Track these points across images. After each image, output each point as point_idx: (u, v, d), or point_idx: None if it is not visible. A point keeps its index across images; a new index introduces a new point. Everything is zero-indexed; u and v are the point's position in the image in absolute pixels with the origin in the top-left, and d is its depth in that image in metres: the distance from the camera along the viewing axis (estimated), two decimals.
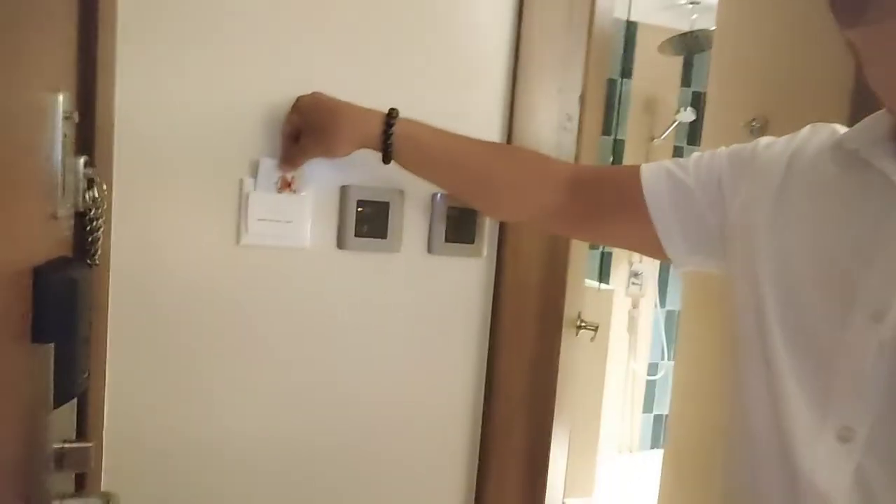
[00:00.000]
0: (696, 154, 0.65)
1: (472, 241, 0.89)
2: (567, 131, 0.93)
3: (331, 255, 0.84)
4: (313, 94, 0.76)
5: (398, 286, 0.88)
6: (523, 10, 0.88)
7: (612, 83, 2.98)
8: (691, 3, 2.77)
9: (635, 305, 3.02)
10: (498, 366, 0.92)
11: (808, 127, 0.57)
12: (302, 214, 0.82)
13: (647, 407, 3.00)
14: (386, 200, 0.85)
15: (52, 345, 0.55)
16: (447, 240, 0.88)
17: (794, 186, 0.54)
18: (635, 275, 3.01)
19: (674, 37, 2.76)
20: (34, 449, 0.55)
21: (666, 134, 3.02)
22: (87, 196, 0.65)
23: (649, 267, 2.96)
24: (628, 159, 3.05)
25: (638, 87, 3.04)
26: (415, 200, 0.87)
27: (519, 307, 0.91)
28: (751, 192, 0.57)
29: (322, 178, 0.83)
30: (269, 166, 0.80)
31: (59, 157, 0.58)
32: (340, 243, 0.84)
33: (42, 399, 0.56)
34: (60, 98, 0.57)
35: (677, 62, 3.08)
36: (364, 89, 0.81)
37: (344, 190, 0.84)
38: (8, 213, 0.49)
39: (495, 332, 0.91)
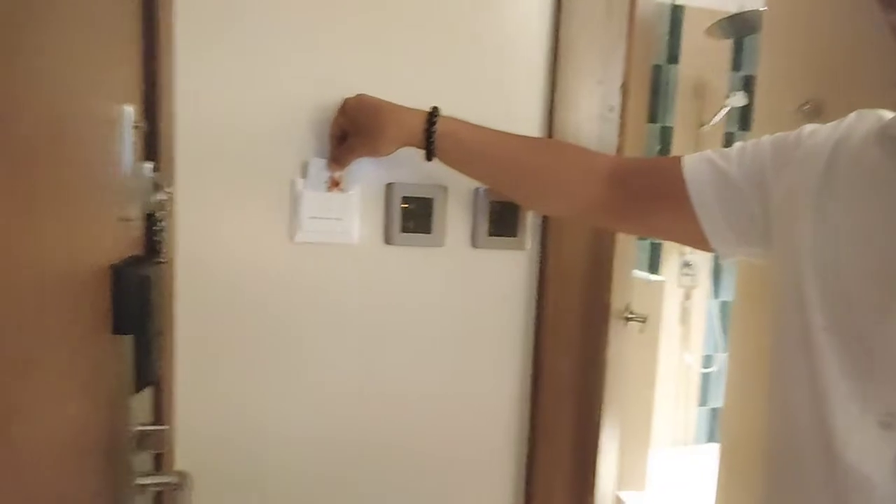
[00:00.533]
0: (738, 144, 0.64)
1: (515, 235, 0.91)
2: (609, 122, 0.93)
3: (378, 251, 0.88)
4: (358, 95, 0.80)
5: (443, 280, 0.90)
6: (562, 2, 0.88)
7: (657, 69, 2.91)
8: None
9: (688, 296, 2.95)
10: (544, 357, 0.93)
11: (853, 113, 0.56)
12: (350, 212, 0.86)
13: (703, 400, 2.92)
14: (430, 196, 0.87)
15: (129, 336, 0.61)
16: (490, 233, 0.90)
17: (839, 174, 0.53)
18: (687, 265, 2.94)
19: (722, 19, 2.67)
20: (119, 431, 0.61)
21: (716, 120, 2.93)
22: (153, 199, 0.71)
23: (702, 257, 2.89)
24: (676, 146, 2.97)
25: (686, 72, 2.96)
26: (458, 195, 0.89)
27: (563, 299, 0.92)
28: (794, 180, 0.57)
29: (368, 176, 0.86)
30: (318, 166, 0.84)
31: (130, 164, 0.63)
32: (387, 239, 0.87)
33: (123, 386, 0.61)
34: (129, 110, 0.62)
35: (726, 45, 2.98)
36: (406, 87, 0.84)
37: (389, 187, 0.87)
38: (90, 216, 0.54)
39: (540, 324, 0.93)
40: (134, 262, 0.63)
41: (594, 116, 0.91)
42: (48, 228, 0.45)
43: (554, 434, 0.95)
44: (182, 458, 0.82)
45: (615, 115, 0.92)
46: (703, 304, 2.95)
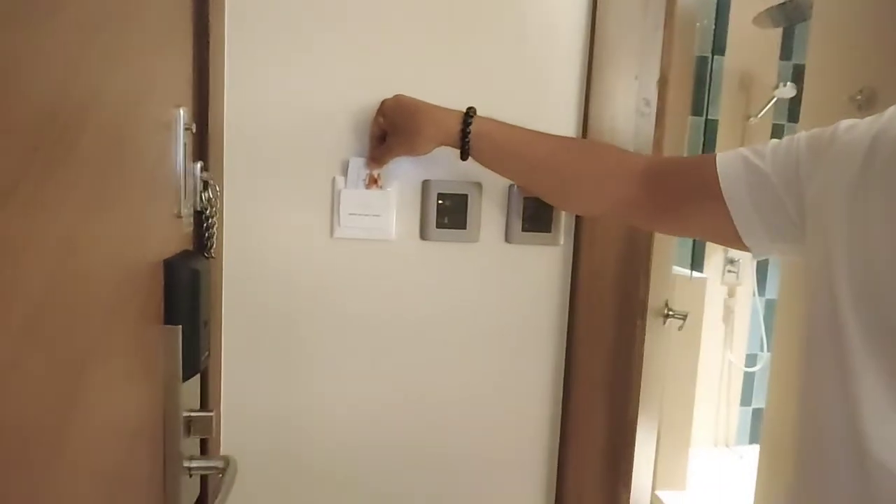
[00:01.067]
0: (773, 141, 0.63)
1: (549, 230, 0.91)
2: (645, 116, 0.92)
3: (415, 246, 0.90)
4: (396, 96, 0.82)
5: (477, 275, 0.92)
6: (597, 2, 0.88)
7: (702, 61, 2.83)
8: None
9: (731, 294, 2.87)
10: (577, 352, 0.93)
11: (893, 107, 0.54)
12: (388, 208, 0.88)
13: (745, 400, 2.85)
14: (464, 193, 0.89)
15: (179, 327, 0.64)
16: (524, 229, 0.91)
17: (876, 170, 0.52)
18: (731, 262, 2.86)
19: (771, 7, 2.58)
20: (169, 416, 0.65)
21: (763, 112, 2.83)
22: (203, 197, 0.74)
23: (746, 254, 2.81)
24: (722, 139, 2.89)
25: (732, 63, 2.87)
26: (492, 192, 0.90)
27: (597, 295, 0.93)
28: (829, 177, 0.56)
29: (405, 174, 0.88)
30: (357, 165, 0.86)
31: (182, 164, 0.67)
32: (423, 234, 0.89)
33: (174, 374, 0.65)
34: (182, 112, 0.66)
35: (775, 35, 2.88)
36: (443, 85, 0.86)
37: (425, 184, 0.89)
38: (146, 213, 0.58)
39: (573, 320, 0.93)
40: (185, 256, 0.67)
41: (630, 111, 0.91)
42: (111, 226, 0.49)
43: (586, 428, 0.95)
44: (227, 443, 0.87)
45: (652, 110, 0.92)
46: (748, 302, 2.87)
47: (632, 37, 0.90)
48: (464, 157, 0.79)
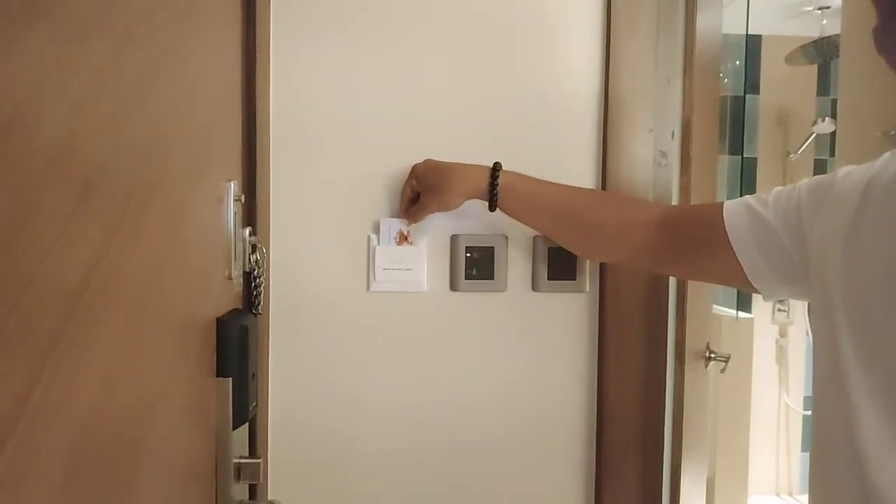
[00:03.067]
0: (777, 188, 0.67)
1: (574, 278, 0.95)
2: (662, 167, 0.96)
3: (445, 297, 0.95)
4: (426, 160, 0.89)
5: (506, 323, 0.96)
6: (609, 60, 0.94)
7: (737, 101, 2.85)
8: (820, 8, 2.60)
9: (783, 334, 2.78)
10: (608, 398, 0.95)
11: (887, 153, 0.57)
12: (419, 263, 0.94)
13: (806, 445, 2.72)
14: (491, 245, 0.94)
15: (230, 379, 0.71)
16: (550, 277, 0.95)
17: (869, 214, 0.54)
18: (781, 301, 2.79)
19: (806, 45, 2.59)
20: (221, 461, 0.71)
21: (803, 148, 2.81)
22: (251, 259, 0.82)
23: None
24: (762, 178, 2.87)
25: (768, 101, 2.88)
26: (518, 243, 0.95)
27: (624, 339, 0.95)
28: (827, 223, 0.58)
29: (435, 229, 0.94)
30: (388, 225, 0.93)
31: (232, 230, 0.75)
32: (453, 286, 0.95)
33: (225, 422, 0.71)
34: (232, 185, 0.75)
35: (811, 71, 2.88)
36: (470, 145, 0.93)
37: (454, 238, 0.94)
38: (204, 276, 0.66)
39: (602, 365, 0.95)
40: (235, 314, 0.74)
41: (648, 163, 0.95)
42: (175, 288, 0.56)
43: (621, 472, 0.96)
44: (274, 489, 0.92)
45: (668, 161, 0.96)
46: (801, 342, 2.77)
47: (644, 92, 0.95)
48: (492, 208, 0.84)
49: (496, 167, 0.84)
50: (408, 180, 0.91)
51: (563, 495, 0.97)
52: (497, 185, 0.82)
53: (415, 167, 0.90)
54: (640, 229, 0.78)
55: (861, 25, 1.71)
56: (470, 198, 0.86)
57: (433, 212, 0.90)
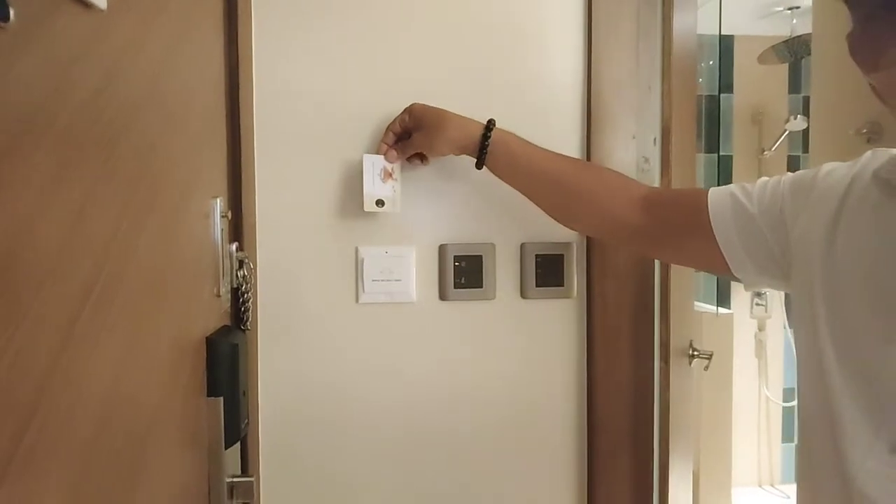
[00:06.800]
0: (762, 179, 0.67)
1: (561, 284, 0.96)
2: (646, 172, 0.98)
3: (435, 306, 0.95)
4: (423, 104, 0.86)
5: (496, 330, 0.96)
6: (591, 69, 0.95)
7: (711, 100, 2.90)
8: (790, 8, 2.66)
9: (762, 328, 2.84)
10: (597, 400, 0.96)
11: (868, 152, 0.58)
12: (408, 273, 0.94)
13: (787, 436, 2.77)
14: (479, 254, 0.94)
15: (221, 398, 0.70)
16: (538, 284, 0.95)
17: (849, 212, 0.56)
18: (758, 295, 2.84)
19: (777, 44, 2.65)
20: (214, 481, 0.70)
21: (777, 145, 2.87)
22: (238, 274, 0.81)
23: None
24: (738, 174, 2.93)
25: (741, 99, 2.94)
26: (505, 251, 0.96)
27: (612, 342, 0.96)
28: (809, 219, 0.60)
29: (422, 239, 0.94)
30: (372, 161, 0.88)
31: (220, 247, 0.74)
32: (442, 295, 0.95)
33: (217, 442, 0.70)
34: (219, 202, 0.74)
35: (782, 70, 2.94)
36: None
37: (442, 248, 0.95)
38: (194, 294, 0.65)
39: (592, 365, 0.96)
40: (224, 332, 0.73)
41: (631, 168, 0.96)
42: (166, 307, 0.55)
43: (611, 474, 0.97)
44: None
45: (650, 166, 0.97)
46: (780, 335, 2.83)
47: (626, 100, 0.96)
48: (479, 165, 0.83)
49: (490, 123, 0.83)
50: (400, 116, 0.88)
51: (556, 498, 0.98)
52: (490, 138, 0.82)
53: (412, 105, 0.87)
54: (625, 203, 0.78)
55: (832, 25, 1.75)
56: (459, 150, 0.84)
57: (418, 150, 0.87)
